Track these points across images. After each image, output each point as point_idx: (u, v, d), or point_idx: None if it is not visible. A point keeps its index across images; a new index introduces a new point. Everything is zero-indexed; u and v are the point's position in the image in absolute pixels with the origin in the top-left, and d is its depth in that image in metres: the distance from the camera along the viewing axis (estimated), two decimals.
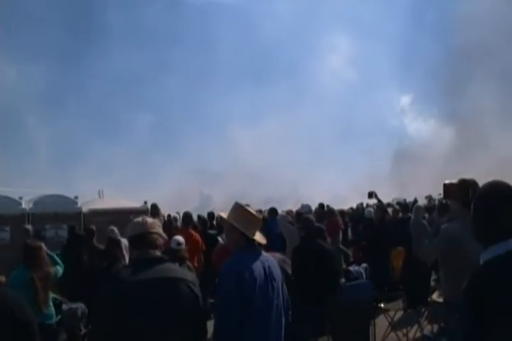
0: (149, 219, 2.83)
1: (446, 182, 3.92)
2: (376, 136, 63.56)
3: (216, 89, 69.94)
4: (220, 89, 75.64)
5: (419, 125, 55.50)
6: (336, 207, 16.42)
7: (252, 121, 70.99)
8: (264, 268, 2.94)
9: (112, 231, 8.13)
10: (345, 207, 16.85)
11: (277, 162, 48.42)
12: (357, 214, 13.70)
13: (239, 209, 3.14)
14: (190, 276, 2.75)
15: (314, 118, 63.08)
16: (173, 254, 5.96)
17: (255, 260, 2.96)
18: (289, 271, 4.42)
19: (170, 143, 68.20)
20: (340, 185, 38.67)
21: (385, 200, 14.78)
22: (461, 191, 3.74)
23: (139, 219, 2.83)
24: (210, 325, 2.81)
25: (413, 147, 43.88)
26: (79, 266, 6.85)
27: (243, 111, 67.04)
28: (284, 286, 3.15)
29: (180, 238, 6.15)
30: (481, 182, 2.31)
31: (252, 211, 3.13)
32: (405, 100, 58.45)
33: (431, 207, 13.72)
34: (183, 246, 6.12)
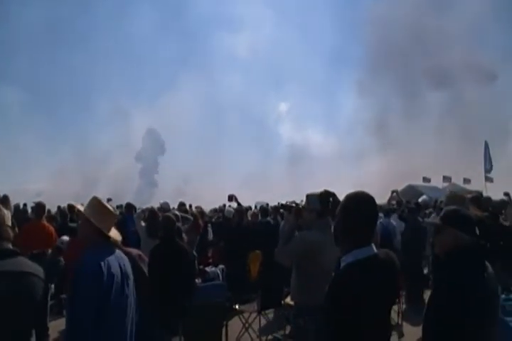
0: (3, 211, 2.73)
1: (308, 193, 4.20)
2: (270, 133, 63.61)
3: (114, 63, 63.73)
4: (116, 63, 69.77)
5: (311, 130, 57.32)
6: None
7: (147, 98, 67.90)
8: (120, 266, 2.98)
9: None
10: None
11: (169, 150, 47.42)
12: (218, 215, 13.91)
13: (96, 204, 3.15)
14: (41, 272, 2.69)
15: (210, 104, 61.25)
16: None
17: (111, 256, 2.97)
18: (145, 269, 4.37)
19: (47, 122, 58.83)
20: (230, 182, 38.66)
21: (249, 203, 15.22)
22: (322, 201, 4.05)
23: None
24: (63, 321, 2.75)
25: (304, 149, 45.62)
26: None
27: (138, 85, 62.92)
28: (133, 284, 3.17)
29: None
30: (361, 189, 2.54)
31: (108, 206, 3.16)
32: (283, 107, 60.40)
33: None
34: None
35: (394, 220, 10.50)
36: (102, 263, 2.82)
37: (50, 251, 7.00)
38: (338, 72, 76.03)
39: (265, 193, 29.29)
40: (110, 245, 3.09)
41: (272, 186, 37.31)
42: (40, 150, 46.15)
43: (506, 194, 8.17)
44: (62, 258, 6.82)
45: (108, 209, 3.13)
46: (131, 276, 3.10)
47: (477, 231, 2.65)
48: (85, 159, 42.64)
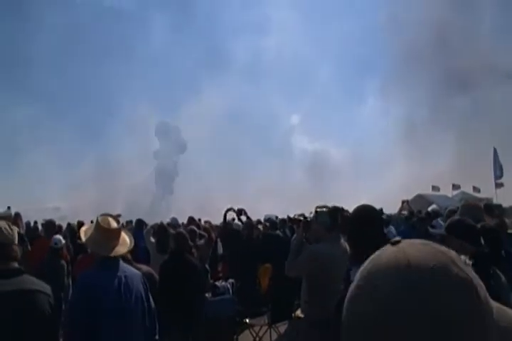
0: (12, 230, 2.75)
1: (318, 207, 4.29)
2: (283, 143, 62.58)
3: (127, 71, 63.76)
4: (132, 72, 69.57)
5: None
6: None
7: (166, 108, 69.01)
8: (119, 283, 3.04)
9: None
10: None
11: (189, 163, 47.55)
12: (228, 228, 13.91)
13: (96, 226, 3.21)
14: (48, 288, 2.75)
15: (229, 112, 60.29)
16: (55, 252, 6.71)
17: (110, 274, 3.06)
18: (155, 285, 4.42)
19: (65, 136, 55.70)
20: (244, 194, 38.55)
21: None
22: (331, 216, 4.13)
23: (2, 226, 2.71)
24: None
25: (322, 160, 45.60)
26: None
27: (157, 95, 64.93)
28: (150, 302, 3.24)
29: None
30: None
31: (106, 226, 3.16)
32: (298, 118, 60.05)
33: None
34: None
35: (391, 231, 10.48)
36: (93, 282, 2.97)
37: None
38: (356, 81, 76.54)
39: (281, 205, 29.12)
40: (113, 263, 3.14)
41: (289, 197, 37.17)
42: (59, 164, 46.14)
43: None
44: (63, 262, 6.80)
45: (106, 229, 3.15)
46: (137, 292, 3.15)
47: (482, 241, 2.69)
48: (104, 172, 42.64)
